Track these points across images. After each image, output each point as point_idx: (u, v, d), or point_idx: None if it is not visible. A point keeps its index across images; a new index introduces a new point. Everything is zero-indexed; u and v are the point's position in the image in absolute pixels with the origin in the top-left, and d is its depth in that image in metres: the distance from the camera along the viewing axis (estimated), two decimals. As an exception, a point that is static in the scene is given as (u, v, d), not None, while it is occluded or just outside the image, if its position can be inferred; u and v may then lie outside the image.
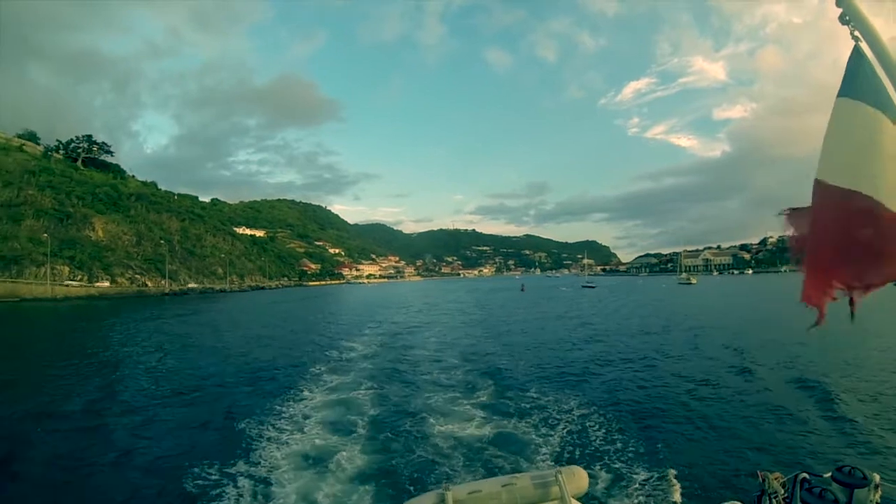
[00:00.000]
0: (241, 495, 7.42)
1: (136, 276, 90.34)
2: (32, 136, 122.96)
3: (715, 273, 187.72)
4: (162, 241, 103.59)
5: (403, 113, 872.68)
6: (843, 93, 2.12)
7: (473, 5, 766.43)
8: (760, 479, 3.21)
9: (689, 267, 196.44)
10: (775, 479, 3.18)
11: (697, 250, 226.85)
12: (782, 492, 3.09)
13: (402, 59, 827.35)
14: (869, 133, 2.06)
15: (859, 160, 2.08)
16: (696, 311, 39.92)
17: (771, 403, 11.43)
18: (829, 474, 3.12)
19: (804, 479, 3.11)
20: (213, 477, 8.16)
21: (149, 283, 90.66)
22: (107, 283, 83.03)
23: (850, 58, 2.11)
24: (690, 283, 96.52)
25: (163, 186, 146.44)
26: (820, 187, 2.17)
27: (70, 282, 77.38)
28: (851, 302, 2.09)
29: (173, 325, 37.04)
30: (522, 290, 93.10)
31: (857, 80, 2.10)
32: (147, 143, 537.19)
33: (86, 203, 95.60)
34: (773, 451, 8.43)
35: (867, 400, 11.41)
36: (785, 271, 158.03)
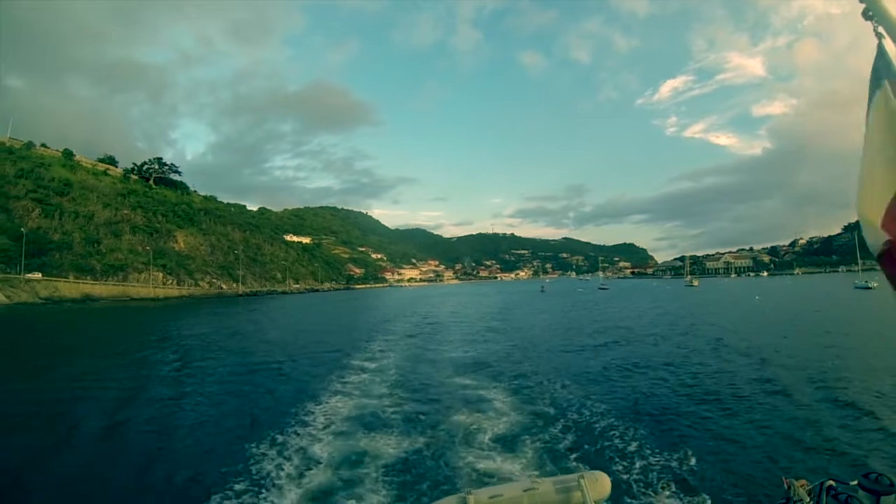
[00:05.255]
0: (259, 488, 7.35)
1: (213, 280, 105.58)
2: (111, 160, 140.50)
3: (733, 275, 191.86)
4: (234, 252, 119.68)
5: (439, 116, 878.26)
6: (874, 86, 2.00)
7: (505, 9, 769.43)
8: (786, 486, 3.15)
9: (711, 269, 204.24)
10: (801, 486, 3.11)
11: (721, 253, 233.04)
12: (808, 499, 3.03)
13: (435, 63, 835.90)
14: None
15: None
16: (662, 309, 47.66)
17: (794, 409, 11.05)
18: (855, 482, 2.99)
19: (830, 486, 3.02)
20: (235, 461, 8.42)
21: (223, 286, 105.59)
22: (193, 287, 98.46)
23: (876, 55, 1.99)
24: (693, 286, 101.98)
25: (204, 193, 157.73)
26: None
27: (167, 286, 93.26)
28: None
29: (261, 313, 48.89)
30: (542, 290, 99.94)
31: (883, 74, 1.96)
32: (186, 151, 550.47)
33: (168, 219, 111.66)
34: (798, 458, 8.22)
35: (894, 405, 10.95)
36: (797, 274, 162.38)
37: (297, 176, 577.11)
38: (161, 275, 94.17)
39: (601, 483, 2.94)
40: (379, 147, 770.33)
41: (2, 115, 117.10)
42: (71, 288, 75.57)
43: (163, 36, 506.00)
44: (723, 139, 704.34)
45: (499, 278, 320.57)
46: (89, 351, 23.97)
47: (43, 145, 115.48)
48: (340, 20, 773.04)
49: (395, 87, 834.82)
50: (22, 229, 74.21)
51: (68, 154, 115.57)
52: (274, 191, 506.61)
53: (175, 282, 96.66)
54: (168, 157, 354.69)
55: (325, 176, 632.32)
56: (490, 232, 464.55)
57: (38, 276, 72.57)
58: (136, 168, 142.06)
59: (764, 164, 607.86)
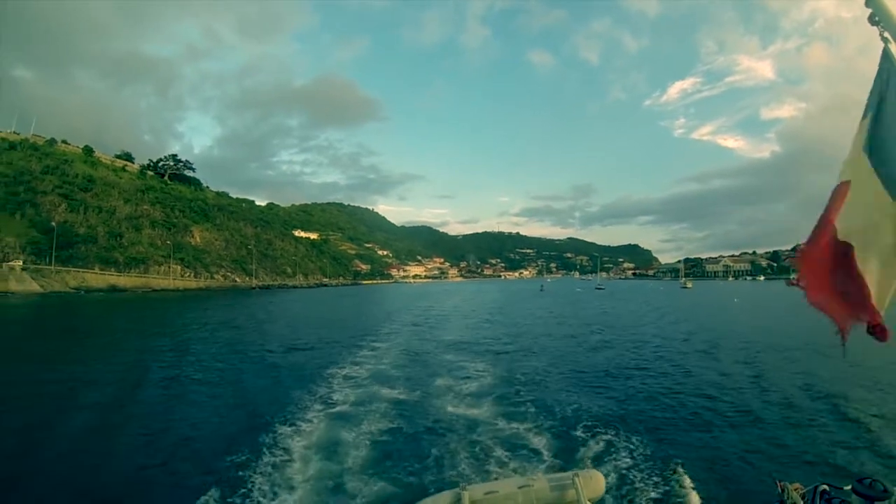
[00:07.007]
0: (250, 489, 7.01)
1: (228, 273, 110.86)
2: (128, 157, 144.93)
3: (730, 278, 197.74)
4: (248, 248, 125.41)
5: (446, 114, 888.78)
6: (867, 115, 2.02)
7: (515, 8, 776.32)
8: (780, 489, 3.16)
9: (710, 272, 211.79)
10: (795, 489, 3.12)
11: (722, 256, 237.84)
12: (801, 503, 3.05)
13: (443, 60, 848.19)
14: (870, 209, 1.91)
15: (866, 229, 1.96)
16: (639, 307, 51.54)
17: (789, 413, 10.95)
18: (849, 487, 2.96)
19: (824, 490, 3.04)
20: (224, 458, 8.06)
21: (237, 279, 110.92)
22: (209, 280, 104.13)
23: (880, 65, 1.97)
24: (687, 287, 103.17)
25: (216, 189, 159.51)
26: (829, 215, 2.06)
27: (186, 278, 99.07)
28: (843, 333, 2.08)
29: (278, 304, 53.36)
30: (542, 289, 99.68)
31: (885, 111, 1.93)
32: (193, 144, 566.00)
33: (185, 214, 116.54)
34: (792, 462, 8.17)
35: (890, 412, 10.80)
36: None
37: (303, 171, 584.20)
38: (179, 267, 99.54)
39: (595, 481, 3.00)
40: (385, 143, 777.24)
41: (23, 112, 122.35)
42: (98, 279, 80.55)
43: (169, 30, 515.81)
44: (731, 142, 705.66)
45: (503, 277, 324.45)
46: (144, 332, 28.26)
47: (64, 141, 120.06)
48: (349, 16, 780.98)
49: (402, 84, 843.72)
50: (52, 223, 79.05)
51: (88, 151, 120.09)
52: (280, 185, 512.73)
53: (192, 274, 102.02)
54: (175, 151, 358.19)
55: (331, 171, 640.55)
56: (495, 230, 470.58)
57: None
58: (151, 164, 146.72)
59: (772, 167, 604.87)
